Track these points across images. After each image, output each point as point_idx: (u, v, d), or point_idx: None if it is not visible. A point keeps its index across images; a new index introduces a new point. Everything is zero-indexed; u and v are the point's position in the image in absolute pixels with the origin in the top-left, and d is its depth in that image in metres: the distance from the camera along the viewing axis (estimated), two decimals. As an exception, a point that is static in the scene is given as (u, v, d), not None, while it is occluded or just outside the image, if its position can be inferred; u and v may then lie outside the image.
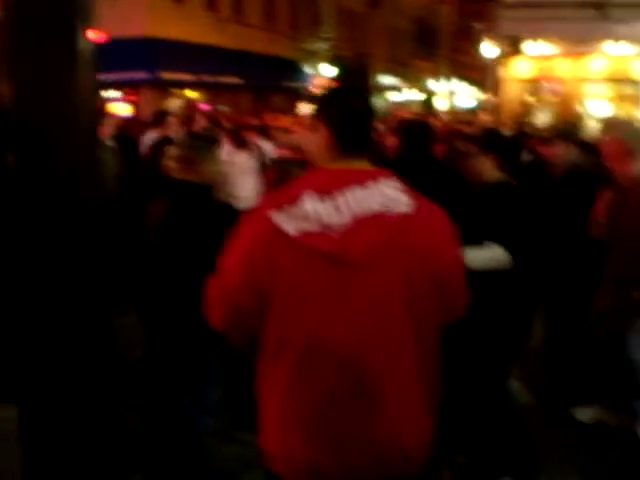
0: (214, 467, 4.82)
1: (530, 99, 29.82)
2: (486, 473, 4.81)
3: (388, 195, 2.50)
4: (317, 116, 2.64)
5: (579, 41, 27.40)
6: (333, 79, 30.94)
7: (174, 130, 9.49)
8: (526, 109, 26.64)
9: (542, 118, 25.20)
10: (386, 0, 43.70)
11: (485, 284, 4.17)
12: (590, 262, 5.57)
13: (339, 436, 2.48)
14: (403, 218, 2.48)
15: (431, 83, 48.65)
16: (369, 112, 2.68)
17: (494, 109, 26.24)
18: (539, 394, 6.00)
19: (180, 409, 4.59)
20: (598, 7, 25.57)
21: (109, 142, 8.35)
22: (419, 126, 5.11)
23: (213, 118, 12.20)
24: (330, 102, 2.67)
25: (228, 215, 4.45)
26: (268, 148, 9.83)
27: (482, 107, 33.67)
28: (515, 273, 4.45)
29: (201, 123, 10.96)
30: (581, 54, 28.56)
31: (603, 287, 5.35)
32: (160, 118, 10.04)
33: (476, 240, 4.30)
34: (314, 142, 2.64)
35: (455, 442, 4.80)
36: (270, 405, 2.57)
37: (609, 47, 27.99)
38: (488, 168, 4.62)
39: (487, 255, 4.36)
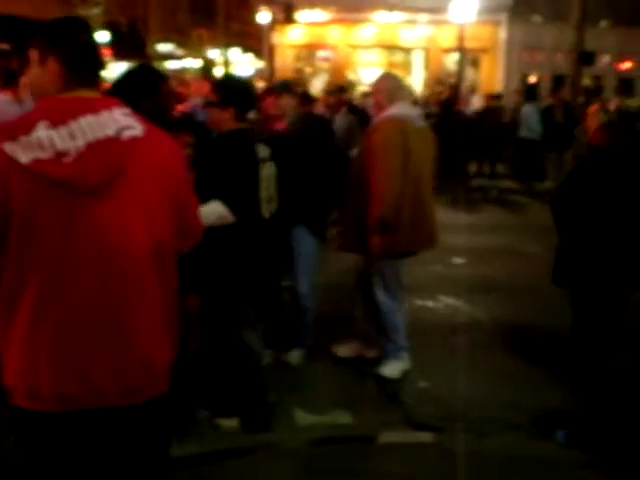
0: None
1: (303, 66, 30.42)
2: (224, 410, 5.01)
3: (120, 121, 2.56)
4: (45, 49, 2.61)
5: (351, 9, 28.13)
6: (107, 45, 30.10)
7: (26, 92, 8.92)
8: (299, 76, 27.09)
9: (316, 85, 25.73)
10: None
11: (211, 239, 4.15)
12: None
13: (86, 361, 2.52)
14: (136, 141, 2.56)
15: (210, 52, 48.35)
16: (96, 43, 2.71)
17: (269, 76, 26.50)
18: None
19: None
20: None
21: None
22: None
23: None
24: (58, 35, 2.64)
25: None
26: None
27: (259, 75, 33.86)
28: (241, 226, 4.46)
29: None
30: (353, 22, 29.35)
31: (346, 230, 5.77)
32: (10, 79, 8.95)
33: (208, 192, 4.23)
34: (43, 76, 2.62)
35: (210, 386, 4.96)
36: (12, 341, 2.53)
37: (380, 15, 28.89)
38: (226, 119, 4.63)
39: (208, 212, 4.17)
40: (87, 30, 2.70)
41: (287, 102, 5.88)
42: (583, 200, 4.67)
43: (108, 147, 2.50)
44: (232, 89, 4.77)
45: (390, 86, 5.90)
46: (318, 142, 5.92)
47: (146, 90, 4.24)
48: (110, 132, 2.52)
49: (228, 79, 5.76)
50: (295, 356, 6.08)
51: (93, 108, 2.54)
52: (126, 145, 2.54)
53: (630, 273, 4.75)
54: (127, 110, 2.64)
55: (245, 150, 4.62)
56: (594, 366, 4.81)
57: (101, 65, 2.72)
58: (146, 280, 2.61)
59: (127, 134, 2.55)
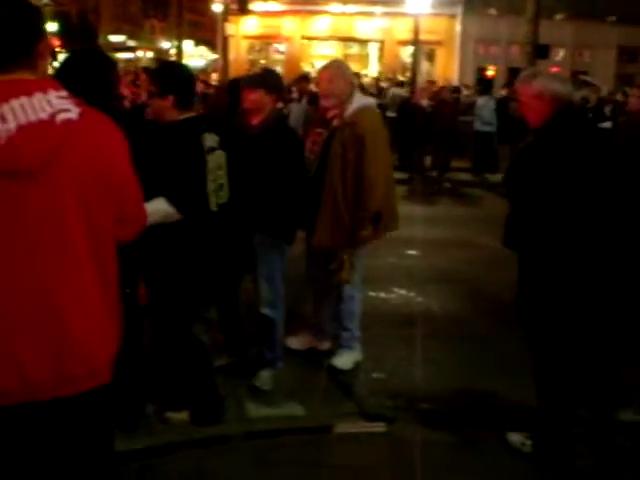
0: None
1: (257, 58, 30.31)
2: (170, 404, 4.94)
3: (56, 104, 2.46)
4: None
5: (304, 0, 28.12)
6: (56, 35, 29.75)
7: None
8: (253, 67, 26.97)
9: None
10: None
11: (159, 232, 4.01)
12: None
13: (21, 352, 2.44)
14: (71, 124, 2.47)
15: (164, 43, 48.09)
16: (16, 22, 2.50)
17: (222, 68, 26.31)
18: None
19: None
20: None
21: None
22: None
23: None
24: None
25: None
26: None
27: (212, 67, 33.66)
28: (188, 221, 4.32)
29: None
30: (307, 13, 29.32)
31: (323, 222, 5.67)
32: None
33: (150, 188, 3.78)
34: None
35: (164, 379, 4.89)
36: None
37: (335, 7, 28.92)
38: (167, 108, 4.45)
39: (152, 210, 3.82)
40: (11, 9, 2.50)
41: (261, 98, 5.28)
42: (531, 176, 4.58)
43: (40, 130, 2.40)
44: (169, 77, 4.55)
45: (349, 75, 5.79)
46: (288, 148, 5.38)
47: (93, 76, 4.11)
48: (44, 115, 2.42)
49: (165, 67, 5.47)
50: (264, 378, 5.50)
51: (26, 90, 2.44)
52: (60, 128, 2.44)
53: (577, 245, 4.53)
54: (64, 92, 2.53)
55: (189, 141, 4.41)
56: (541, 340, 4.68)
57: (42, 47, 2.55)
58: (82, 267, 2.52)
59: (62, 117, 2.45)
